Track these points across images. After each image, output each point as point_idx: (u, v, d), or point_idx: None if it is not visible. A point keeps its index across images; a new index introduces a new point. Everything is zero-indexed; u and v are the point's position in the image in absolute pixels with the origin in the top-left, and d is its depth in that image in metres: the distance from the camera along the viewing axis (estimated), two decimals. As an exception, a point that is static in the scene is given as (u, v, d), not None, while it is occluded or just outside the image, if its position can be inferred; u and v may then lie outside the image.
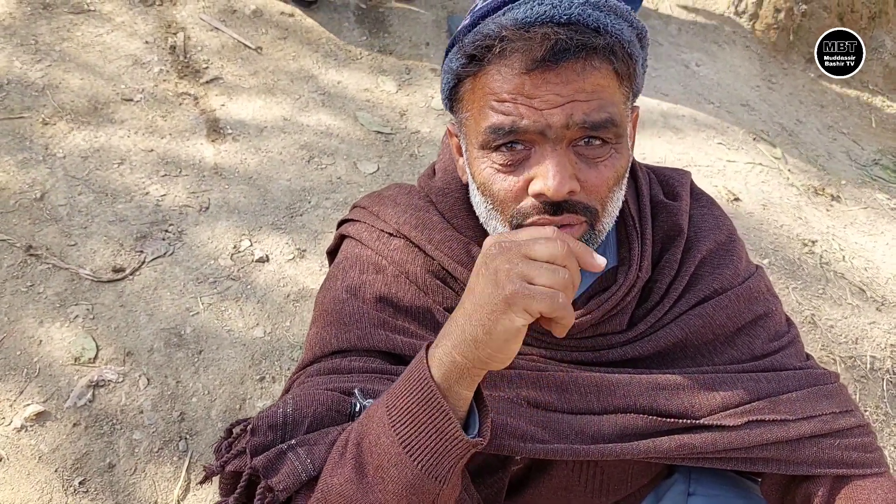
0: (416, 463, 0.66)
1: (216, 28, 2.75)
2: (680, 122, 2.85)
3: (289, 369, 1.73)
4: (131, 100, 2.38)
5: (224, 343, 1.76)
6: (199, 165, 2.22)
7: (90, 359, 1.67)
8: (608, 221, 0.83)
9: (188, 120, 2.37)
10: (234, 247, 1.99)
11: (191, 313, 1.81)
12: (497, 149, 0.79)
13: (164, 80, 2.49)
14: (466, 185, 0.91)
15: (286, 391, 0.88)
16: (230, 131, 2.37)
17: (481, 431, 0.70)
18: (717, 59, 3.37)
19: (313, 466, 0.71)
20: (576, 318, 0.86)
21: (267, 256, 1.98)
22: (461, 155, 0.90)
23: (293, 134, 2.42)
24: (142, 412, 1.61)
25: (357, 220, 0.99)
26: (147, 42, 2.60)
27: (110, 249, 1.91)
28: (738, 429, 0.84)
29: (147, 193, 2.09)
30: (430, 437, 0.66)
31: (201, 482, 0.78)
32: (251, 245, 2.01)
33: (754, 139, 2.86)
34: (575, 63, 0.75)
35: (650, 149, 2.66)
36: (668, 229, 0.93)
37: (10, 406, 1.57)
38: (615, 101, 0.78)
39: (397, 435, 0.67)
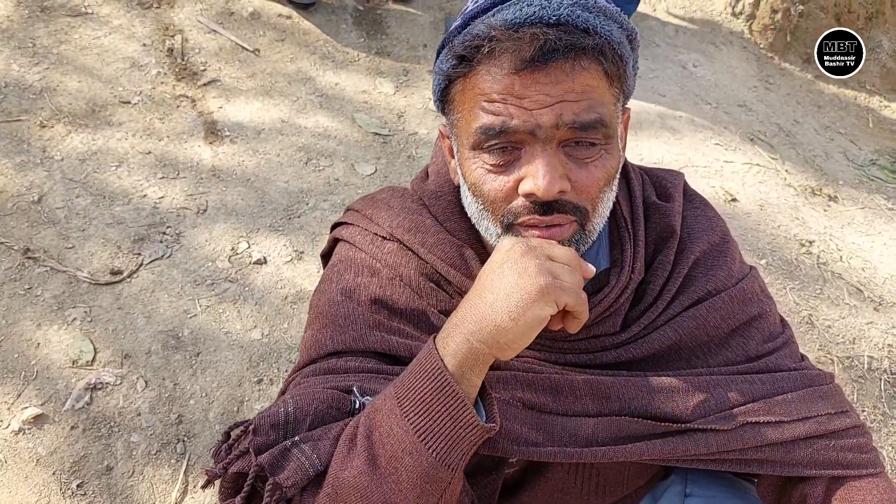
0: (430, 451, 0.68)
1: (214, 30, 2.75)
2: (677, 122, 2.85)
3: (286, 371, 1.73)
4: (129, 102, 2.38)
5: (222, 345, 1.76)
6: (197, 167, 2.22)
7: (88, 361, 1.67)
8: (598, 222, 0.84)
9: (186, 122, 2.37)
10: (232, 249, 1.99)
11: (188, 315, 1.81)
12: (488, 149, 0.80)
13: (162, 83, 2.49)
14: (459, 188, 0.92)
15: (282, 392, 0.88)
16: (228, 133, 2.37)
17: (491, 417, 0.72)
18: (714, 59, 3.37)
19: (319, 461, 0.72)
20: None
21: (265, 258, 1.98)
22: (453, 157, 0.90)
23: (291, 136, 2.42)
24: (139, 415, 1.61)
25: (350, 224, 0.99)
26: (145, 44, 2.60)
27: (108, 252, 1.91)
28: (733, 431, 0.84)
29: (145, 196, 2.09)
30: (445, 424, 0.69)
31: (203, 486, 0.78)
32: (249, 247, 2.01)
33: (751, 140, 2.86)
34: (564, 63, 0.75)
35: (647, 149, 2.66)
36: (660, 230, 0.93)
37: (8, 409, 1.57)
38: (605, 101, 0.78)
39: (411, 424, 0.69)
